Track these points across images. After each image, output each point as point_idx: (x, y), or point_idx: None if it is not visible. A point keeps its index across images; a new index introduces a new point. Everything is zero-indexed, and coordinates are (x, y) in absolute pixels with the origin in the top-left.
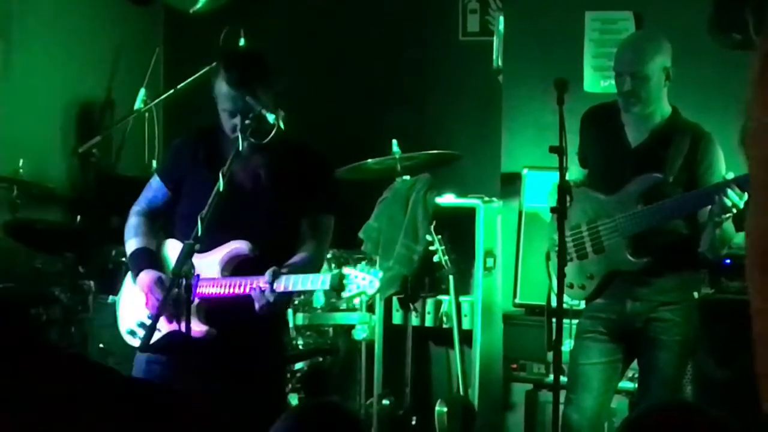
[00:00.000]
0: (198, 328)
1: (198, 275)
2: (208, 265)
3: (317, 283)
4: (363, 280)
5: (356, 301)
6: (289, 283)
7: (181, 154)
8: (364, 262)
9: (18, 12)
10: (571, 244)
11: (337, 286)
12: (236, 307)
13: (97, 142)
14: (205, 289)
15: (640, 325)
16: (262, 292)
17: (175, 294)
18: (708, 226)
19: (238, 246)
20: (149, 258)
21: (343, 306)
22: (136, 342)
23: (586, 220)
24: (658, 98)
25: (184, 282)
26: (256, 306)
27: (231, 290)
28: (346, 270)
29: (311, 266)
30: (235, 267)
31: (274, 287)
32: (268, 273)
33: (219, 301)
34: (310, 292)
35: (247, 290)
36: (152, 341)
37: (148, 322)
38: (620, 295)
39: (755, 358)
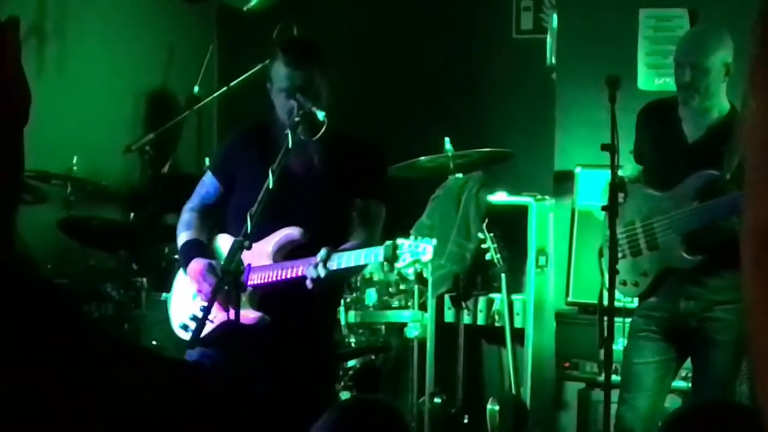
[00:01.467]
0: (250, 315)
1: (249, 265)
2: (260, 252)
3: (371, 256)
4: (416, 248)
5: (410, 271)
6: (342, 259)
7: (234, 150)
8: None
9: (74, 10)
10: (624, 240)
11: (391, 256)
12: (289, 296)
13: (151, 140)
14: (257, 277)
15: (694, 325)
16: (315, 267)
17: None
18: None
19: (290, 232)
20: (200, 248)
21: (396, 304)
22: (188, 336)
23: (640, 217)
24: (717, 93)
25: (234, 279)
26: (308, 281)
27: (283, 275)
28: (399, 240)
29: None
30: (286, 253)
31: (328, 265)
32: (322, 251)
33: (272, 288)
34: (362, 269)
35: (300, 273)
36: (204, 334)
37: (201, 314)
38: (674, 294)
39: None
